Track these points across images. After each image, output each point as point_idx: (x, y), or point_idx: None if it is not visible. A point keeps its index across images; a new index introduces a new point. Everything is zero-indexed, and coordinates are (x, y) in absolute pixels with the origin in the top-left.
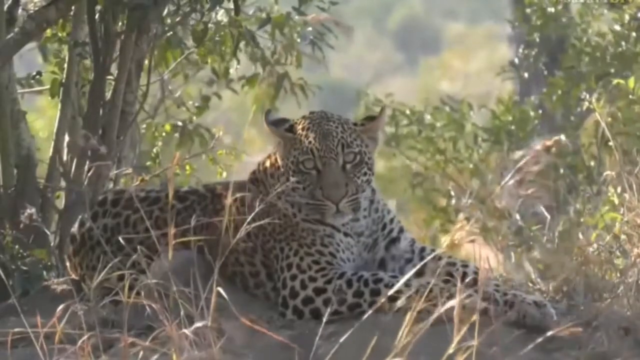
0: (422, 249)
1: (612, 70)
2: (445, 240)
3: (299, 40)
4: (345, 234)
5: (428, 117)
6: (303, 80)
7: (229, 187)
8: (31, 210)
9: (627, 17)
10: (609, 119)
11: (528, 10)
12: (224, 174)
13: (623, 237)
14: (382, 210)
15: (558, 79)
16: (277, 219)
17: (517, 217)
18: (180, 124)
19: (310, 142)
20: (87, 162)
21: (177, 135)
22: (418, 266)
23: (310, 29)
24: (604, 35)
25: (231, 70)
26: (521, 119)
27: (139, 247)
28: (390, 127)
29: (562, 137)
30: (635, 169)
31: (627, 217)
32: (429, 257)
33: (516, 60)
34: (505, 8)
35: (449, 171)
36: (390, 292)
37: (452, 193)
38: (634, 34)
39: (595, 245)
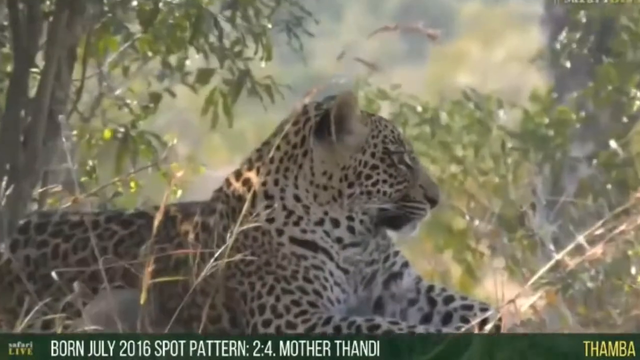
0: (430, 288)
1: None
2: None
3: (269, 25)
4: (338, 266)
5: (444, 116)
6: (270, 78)
7: (186, 209)
8: None
9: None
10: None
11: None
12: (179, 192)
13: None
14: (388, 237)
15: (607, 67)
16: (250, 247)
17: (552, 247)
18: (121, 129)
19: (393, 132)
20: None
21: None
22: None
23: (284, 10)
24: None
25: (187, 62)
26: (559, 121)
27: (74, 284)
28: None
29: None
30: None
31: None
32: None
33: (557, 45)
34: None
35: (468, 186)
36: None
37: (467, 217)
38: None
39: None
